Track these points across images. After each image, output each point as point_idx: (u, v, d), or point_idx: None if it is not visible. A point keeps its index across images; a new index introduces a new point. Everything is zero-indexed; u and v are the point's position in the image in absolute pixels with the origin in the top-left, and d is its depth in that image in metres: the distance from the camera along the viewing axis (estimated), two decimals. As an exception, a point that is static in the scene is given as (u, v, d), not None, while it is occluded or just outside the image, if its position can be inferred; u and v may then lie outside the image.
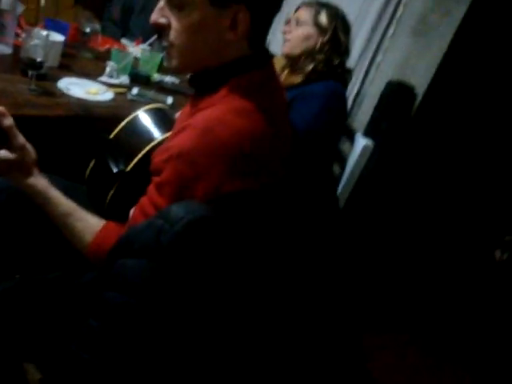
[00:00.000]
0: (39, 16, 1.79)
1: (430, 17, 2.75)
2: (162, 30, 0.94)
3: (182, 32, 0.90)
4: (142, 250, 0.81)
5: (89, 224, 0.98)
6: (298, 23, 1.73)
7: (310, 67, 1.70)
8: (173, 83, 1.96)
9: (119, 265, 0.83)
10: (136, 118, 1.22)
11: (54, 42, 1.55)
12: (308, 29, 1.71)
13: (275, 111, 0.97)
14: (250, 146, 0.88)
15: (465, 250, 2.66)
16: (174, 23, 0.90)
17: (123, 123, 1.21)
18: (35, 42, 1.41)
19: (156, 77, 1.93)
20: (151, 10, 2.71)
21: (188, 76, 1.07)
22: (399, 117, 2.79)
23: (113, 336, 0.83)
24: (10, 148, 0.94)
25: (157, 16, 0.92)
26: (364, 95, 2.98)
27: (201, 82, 1.00)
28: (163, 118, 1.25)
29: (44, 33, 1.48)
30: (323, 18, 1.72)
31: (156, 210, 0.89)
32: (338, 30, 1.74)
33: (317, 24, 1.71)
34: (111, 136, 1.21)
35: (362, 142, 1.85)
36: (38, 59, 1.42)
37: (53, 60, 1.59)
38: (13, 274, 1.16)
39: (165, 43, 0.97)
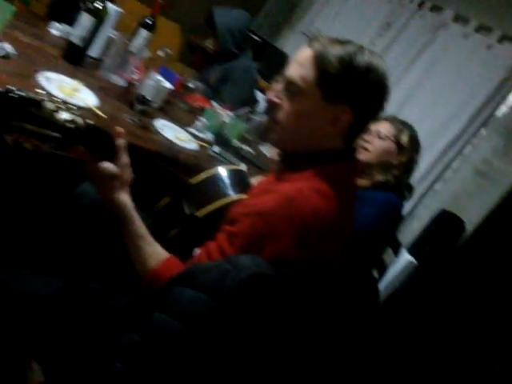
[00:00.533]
0: (155, 63, 2.01)
1: (496, 162, 2.88)
2: (272, 107, 1.08)
3: (290, 114, 1.03)
4: (204, 285, 0.88)
5: (157, 251, 1.05)
6: (380, 136, 1.82)
7: (381, 178, 1.79)
8: (249, 153, 2.12)
9: (177, 292, 0.90)
10: (218, 173, 1.34)
11: (165, 88, 1.74)
12: (389, 144, 1.82)
13: (348, 203, 1.07)
14: (323, 226, 0.97)
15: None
16: (286, 105, 1.03)
17: (206, 174, 1.33)
18: (152, 82, 1.60)
19: (236, 143, 2.09)
20: (243, 84, 2.94)
21: (277, 152, 1.19)
22: (443, 246, 2.84)
23: (153, 354, 0.88)
24: (114, 163, 1.03)
25: (273, 94, 1.06)
26: (415, 215, 3.07)
27: (291, 159, 1.11)
28: (242, 180, 1.36)
29: (160, 78, 1.67)
30: (405, 138, 1.83)
31: (222, 256, 0.97)
32: (416, 152, 1.86)
33: (398, 142, 1.82)
34: (193, 182, 1.32)
35: (407, 258, 1.91)
36: (149, 98, 1.61)
37: (157, 101, 1.77)
38: (63, 275, 1.24)
39: (271, 119, 1.10)
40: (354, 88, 1.00)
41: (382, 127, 1.84)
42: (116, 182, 1.02)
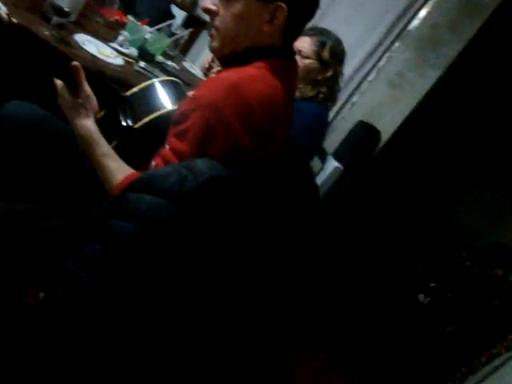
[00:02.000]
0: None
1: (408, 74, 3.03)
2: (209, 15, 1.07)
3: (227, 19, 1.04)
4: (164, 191, 0.89)
5: (122, 167, 1.07)
6: (301, 55, 1.81)
7: (311, 94, 1.83)
8: (174, 68, 2.06)
9: (136, 198, 0.91)
10: (154, 85, 1.31)
11: (81, -2, 1.61)
12: (312, 62, 1.83)
13: (289, 97, 1.10)
14: (268, 112, 1.01)
15: (395, 285, 2.89)
16: (222, 11, 1.04)
17: (141, 85, 1.29)
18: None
19: (160, 58, 2.02)
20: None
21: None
22: (361, 155, 3.02)
23: (117, 262, 0.90)
24: (78, 93, 1.08)
25: (208, 2, 1.05)
26: (334, 128, 3.19)
27: (233, 58, 1.10)
28: (178, 91, 1.34)
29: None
30: (326, 54, 1.83)
31: (177, 157, 0.97)
32: (339, 63, 1.90)
33: (320, 59, 1.83)
34: (128, 94, 1.28)
35: (334, 164, 2.02)
36: (66, 9, 1.48)
37: (74, 14, 1.64)
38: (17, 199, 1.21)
39: (210, 27, 1.09)
40: None
41: (302, 45, 1.81)
42: (81, 110, 1.09)
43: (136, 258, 0.91)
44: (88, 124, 1.09)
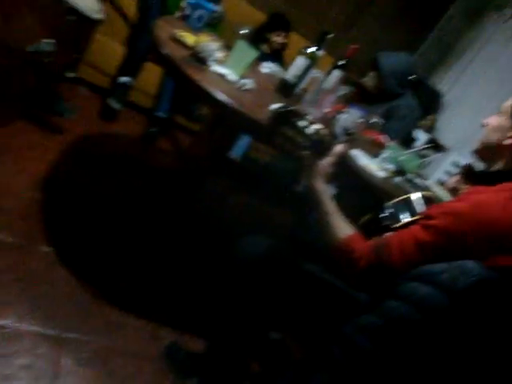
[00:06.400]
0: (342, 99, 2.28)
1: None
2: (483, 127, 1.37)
3: (490, 127, 1.34)
4: (438, 284, 1.07)
5: (344, 226, 1.27)
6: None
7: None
8: (422, 184, 2.29)
9: (414, 286, 1.10)
10: (410, 198, 1.52)
11: (359, 122, 2.01)
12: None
13: None
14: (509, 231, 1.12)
15: None
16: (491, 123, 1.34)
17: (403, 197, 1.52)
18: (353, 116, 1.88)
19: (409, 175, 2.27)
20: (407, 122, 3.07)
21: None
22: None
23: (389, 336, 1.10)
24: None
25: (489, 119, 1.35)
26: None
27: (480, 177, 1.34)
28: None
29: (358, 113, 1.94)
30: None
31: (415, 240, 1.15)
32: None
33: None
34: (390, 202, 1.52)
35: None
36: (351, 130, 1.88)
37: (354, 134, 2.04)
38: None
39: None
40: None
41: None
42: (313, 172, 1.32)
43: (405, 336, 1.09)
44: (317, 185, 1.30)
